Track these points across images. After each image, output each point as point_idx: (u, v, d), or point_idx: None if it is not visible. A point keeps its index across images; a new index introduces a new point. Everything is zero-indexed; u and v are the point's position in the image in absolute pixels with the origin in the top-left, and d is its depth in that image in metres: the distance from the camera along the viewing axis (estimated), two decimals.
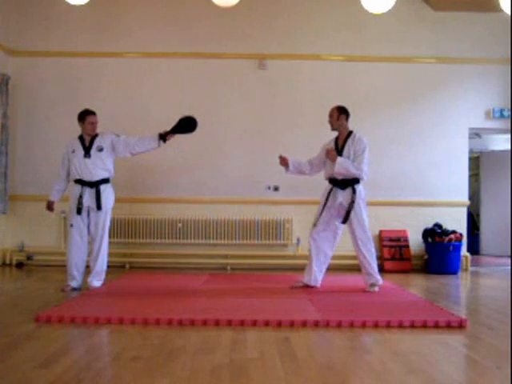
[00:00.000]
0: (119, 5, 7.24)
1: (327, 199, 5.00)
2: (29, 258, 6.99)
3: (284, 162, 5.20)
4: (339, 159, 4.88)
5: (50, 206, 5.17)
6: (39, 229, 7.02)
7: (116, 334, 3.39)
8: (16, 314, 3.88)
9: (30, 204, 6.97)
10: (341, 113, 5.05)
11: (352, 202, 4.88)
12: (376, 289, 4.95)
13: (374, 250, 5.02)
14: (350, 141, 4.99)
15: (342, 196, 4.94)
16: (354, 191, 4.91)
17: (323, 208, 5.03)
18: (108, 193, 5.07)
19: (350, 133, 5.04)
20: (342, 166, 4.87)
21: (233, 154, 7.14)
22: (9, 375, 2.52)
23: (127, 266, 6.95)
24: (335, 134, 5.15)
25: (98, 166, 5.00)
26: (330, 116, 5.08)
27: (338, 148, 5.03)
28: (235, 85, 7.20)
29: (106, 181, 5.05)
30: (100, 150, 5.01)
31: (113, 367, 2.71)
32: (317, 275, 5.11)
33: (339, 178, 4.95)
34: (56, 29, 7.18)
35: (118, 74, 7.19)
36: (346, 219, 4.91)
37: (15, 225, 7.07)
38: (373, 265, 4.97)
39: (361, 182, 4.98)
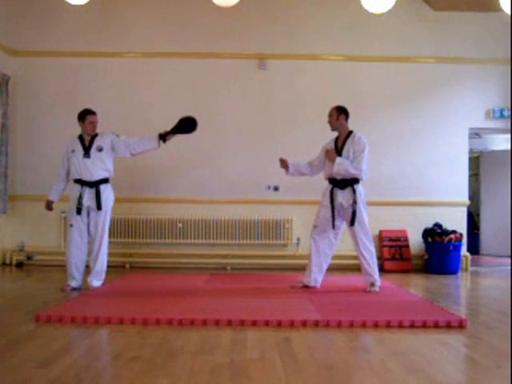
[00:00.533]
0: (119, 5, 7.24)
1: (330, 200, 4.99)
2: (29, 257, 7.00)
3: (284, 164, 5.21)
4: (338, 159, 4.88)
5: (49, 206, 5.18)
6: (39, 229, 7.02)
7: (116, 333, 3.39)
8: (16, 314, 3.88)
9: (30, 204, 6.97)
10: (340, 113, 5.04)
11: (354, 203, 4.88)
12: (376, 289, 4.95)
13: (374, 250, 5.02)
14: (349, 141, 4.98)
15: (342, 196, 4.94)
16: (354, 191, 4.91)
17: (326, 209, 5.03)
18: (108, 193, 5.07)
19: (350, 133, 5.03)
20: (341, 166, 4.87)
21: (233, 153, 7.14)
22: (9, 375, 2.52)
23: (127, 265, 6.95)
24: (336, 134, 5.15)
25: (98, 165, 4.99)
26: (330, 116, 5.08)
27: (338, 148, 5.02)
28: (235, 85, 7.20)
29: (105, 181, 5.05)
30: (100, 149, 5.01)
31: (113, 367, 2.71)
32: (316, 276, 5.11)
33: (338, 178, 4.95)
34: (56, 29, 7.18)
35: (118, 74, 7.19)
36: (353, 221, 4.90)
37: (15, 225, 7.07)
38: (372, 265, 4.97)
39: (360, 182, 4.98)
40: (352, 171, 4.86)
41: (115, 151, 5.09)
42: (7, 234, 7.04)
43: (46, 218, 6.68)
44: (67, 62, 7.16)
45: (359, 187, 4.95)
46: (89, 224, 5.03)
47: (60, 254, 6.62)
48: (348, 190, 4.92)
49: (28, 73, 7.17)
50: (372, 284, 4.98)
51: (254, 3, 6.99)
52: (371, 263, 4.97)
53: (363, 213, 4.93)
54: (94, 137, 5.06)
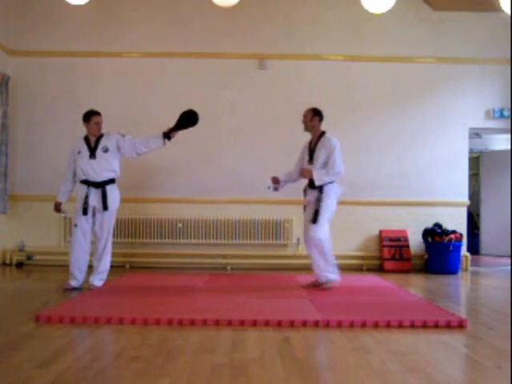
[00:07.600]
0: (119, 5, 7.23)
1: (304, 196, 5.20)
2: (29, 258, 6.99)
3: (275, 181, 5.36)
4: (314, 175, 4.97)
5: (57, 207, 5.18)
6: (39, 229, 7.01)
7: (116, 333, 3.39)
8: (16, 314, 3.88)
9: (30, 204, 6.96)
10: (315, 114, 5.18)
11: (318, 201, 4.96)
12: (327, 285, 4.98)
13: (326, 245, 4.96)
14: (320, 142, 5.10)
15: (311, 194, 5.08)
16: (321, 191, 4.98)
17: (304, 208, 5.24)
18: (114, 193, 5.06)
19: (322, 134, 5.13)
20: (319, 179, 4.97)
21: (233, 153, 7.14)
22: (9, 375, 2.52)
23: (127, 265, 6.95)
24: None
25: (104, 166, 4.98)
26: (304, 116, 5.22)
27: (311, 149, 5.15)
28: (235, 84, 7.20)
29: (111, 181, 5.04)
30: (105, 150, 5.00)
31: (113, 367, 2.71)
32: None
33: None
34: (56, 29, 7.18)
35: (118, 74, 7.18)
36: (314, 219, 4.94)
37: (15, 225, 7.06)
38: (318, 262, 4.96)
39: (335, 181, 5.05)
40: (328, 179, 4.97)
41: (121, 151, 5.08)
42: (7, 233, 7.03)
43: (46, 218, 6.67)
44: (67, 62, 7.16)
45: (328, 187, 4.99)
46: (94, 224, 5.02)
47: (60, 254, 6.62)
48: (317, 189, 5.01)
49: (28, 73, 7.16)
50: (319, 283, 5.02)
51: (254, 3, 6.99)
52: (317, 259, 4.97)
53: (326, 210, 4.94)
54: (99, 138, 5.05)
